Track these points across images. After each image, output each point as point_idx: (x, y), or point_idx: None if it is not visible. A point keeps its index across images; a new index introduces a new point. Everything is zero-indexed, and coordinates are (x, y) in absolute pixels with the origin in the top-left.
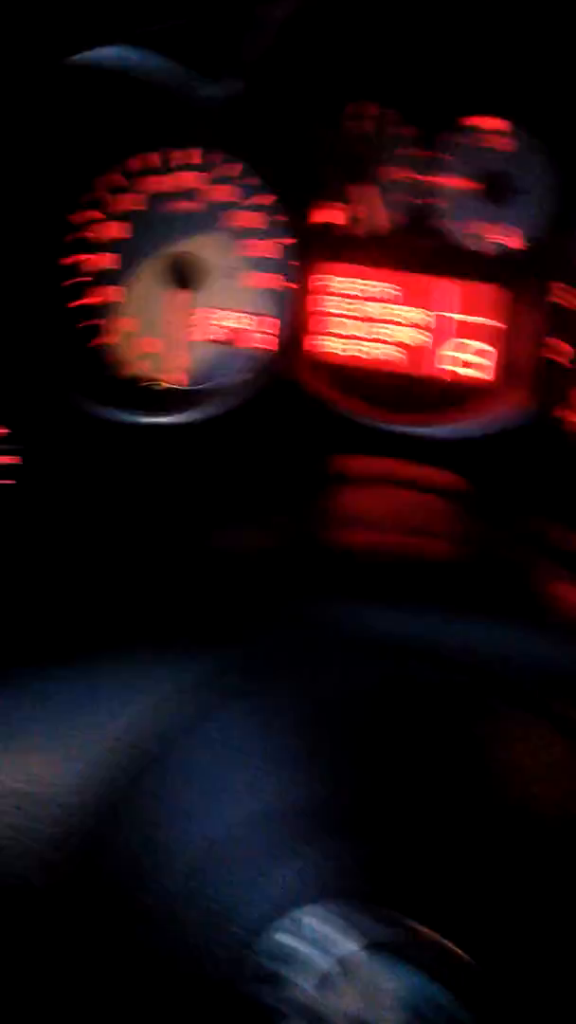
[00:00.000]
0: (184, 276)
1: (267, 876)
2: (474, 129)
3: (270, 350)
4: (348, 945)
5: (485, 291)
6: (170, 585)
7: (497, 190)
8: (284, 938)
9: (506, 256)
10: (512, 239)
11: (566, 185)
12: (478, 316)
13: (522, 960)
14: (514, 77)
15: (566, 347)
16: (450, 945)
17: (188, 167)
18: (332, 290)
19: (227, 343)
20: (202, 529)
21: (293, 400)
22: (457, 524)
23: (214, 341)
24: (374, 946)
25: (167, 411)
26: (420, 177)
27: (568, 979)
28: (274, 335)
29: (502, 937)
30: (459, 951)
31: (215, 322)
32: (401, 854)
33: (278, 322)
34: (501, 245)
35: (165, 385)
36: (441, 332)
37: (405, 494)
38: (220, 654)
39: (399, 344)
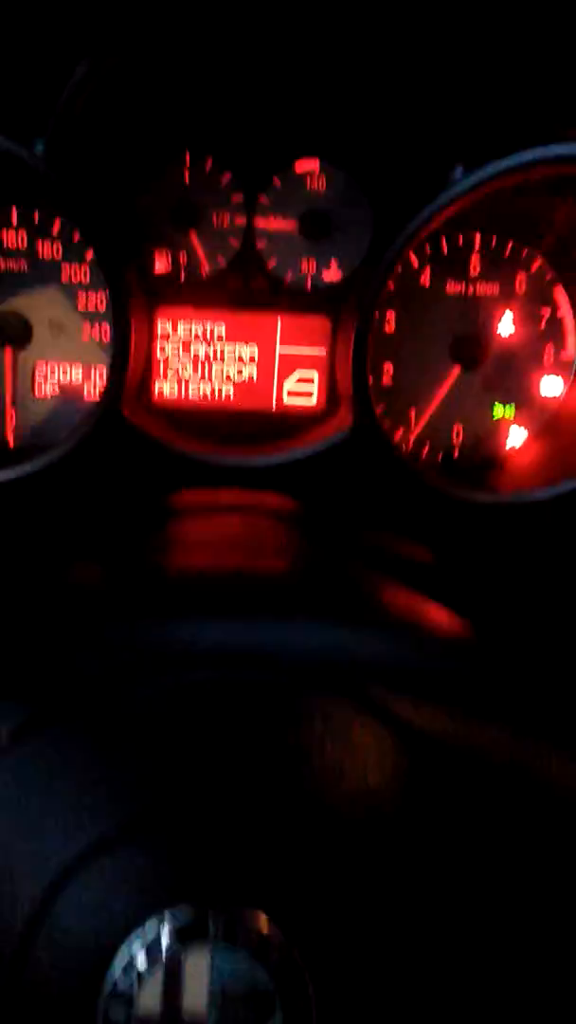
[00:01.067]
0: (9, 335)
1: (108, 894)
2: (290, 172)
3: (102, 398)
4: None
5: (307, 322)
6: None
7: (314, 228)
8: (127, 952)
9: (325, 288)
10: (331, 272)
11: (378, 218)
12: (302, 347)
13: (336, 931)
14: (324, 121)
15: (386, 366)
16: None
17: (9, 226)
18: (160, 334)
19: (59, 397)
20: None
21: (128, 444)
22: (286, 540)
23: (46, 397)
24: (202, 941)
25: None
26: (240, 220)
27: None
28: (106, 383)
29: (319, 916)
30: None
31: (47, 377)
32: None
33: (109, 370)
34: (320, 278)
35: None
36: (268, 365)
37: (238, 519)
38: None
39: (229, 381)
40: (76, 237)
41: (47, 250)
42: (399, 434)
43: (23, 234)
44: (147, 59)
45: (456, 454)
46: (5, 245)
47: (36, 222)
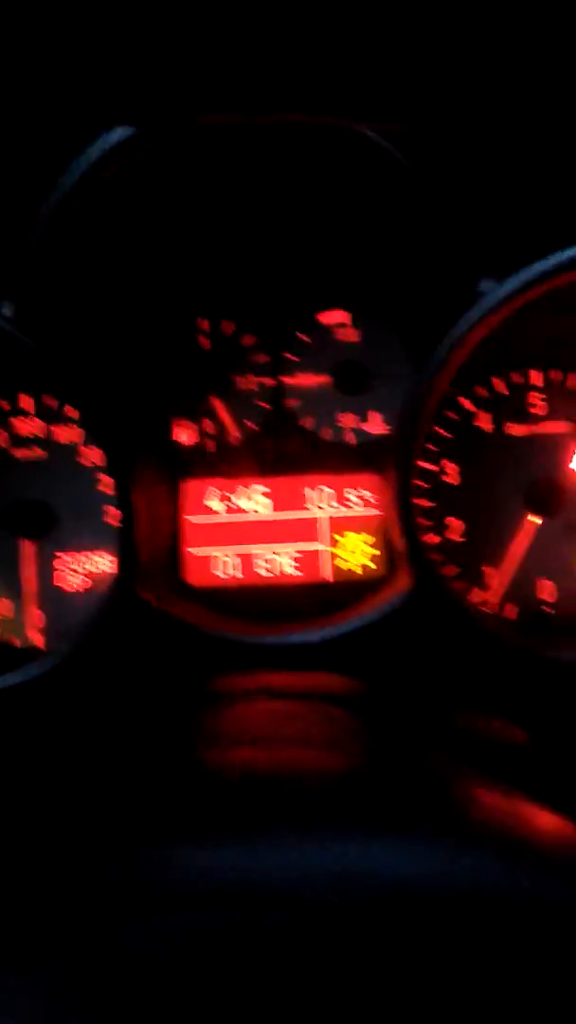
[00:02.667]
0: (30, 526)
1: None
2: (317, 325)
3: (130, 584)
4: None
5: (354, 481)
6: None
7: (350, 380)
8: None
9: (370, 443)
10: (373, 425)
11: (415, 360)
12: (352, 508)
13: None
14: (348, 271)
15: (452, 521)
16: None
17: (24, 414)
18: (188, 510)
19: (85, 589)
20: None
21: (157, 630)
22: (343, 731)
23: (73, 589)
24: None
25: (25, 670)
26: (268, 381)
27: None
28: (135, 567)
29: None
30: None
31: (71, 567)
32: None
33: (137, 553)
34: (363, 432)
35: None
36: (314, 533)
37: (283, 705)
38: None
39: (273, 554)
40: None
41: (65, 435)
42: (474, 595)
43: (38, 422)
44: (140, 218)
45: (549, 611)
46: (21, 433)
47: (53, 408)
